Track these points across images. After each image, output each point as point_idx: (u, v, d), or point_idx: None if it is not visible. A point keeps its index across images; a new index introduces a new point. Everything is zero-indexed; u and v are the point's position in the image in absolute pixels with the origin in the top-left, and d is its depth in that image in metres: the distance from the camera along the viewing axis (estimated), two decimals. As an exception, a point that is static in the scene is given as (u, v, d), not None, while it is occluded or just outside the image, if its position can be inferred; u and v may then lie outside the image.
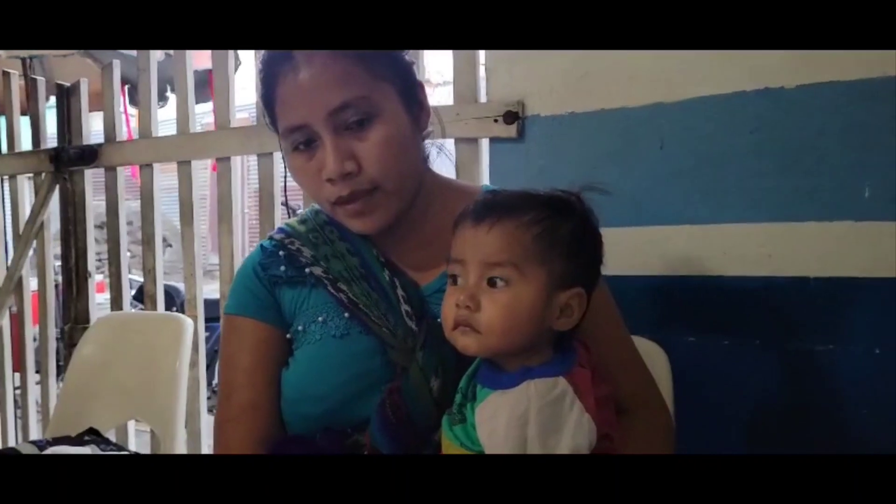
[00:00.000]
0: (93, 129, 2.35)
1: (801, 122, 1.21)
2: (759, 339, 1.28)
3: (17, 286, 2.49)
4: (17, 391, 2.69)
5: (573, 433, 0.70)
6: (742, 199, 1.27)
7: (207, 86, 3.20)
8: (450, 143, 1.57)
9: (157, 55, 2.15)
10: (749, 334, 1.28)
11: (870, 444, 1.20)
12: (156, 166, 2.13)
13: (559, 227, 0.76)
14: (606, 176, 1.38)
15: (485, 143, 1.54)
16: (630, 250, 1.38)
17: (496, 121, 1.48)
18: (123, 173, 2.25)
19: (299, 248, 0.95)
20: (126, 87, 2.88)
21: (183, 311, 2.05)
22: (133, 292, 3.97)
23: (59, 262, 2.43)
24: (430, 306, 0.89)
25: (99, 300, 2.47)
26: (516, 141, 1.48)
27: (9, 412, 2.66)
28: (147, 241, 2.14)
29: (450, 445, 0.77)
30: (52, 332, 2.49)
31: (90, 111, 2.33)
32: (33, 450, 1.65)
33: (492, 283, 0.75)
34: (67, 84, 2.33)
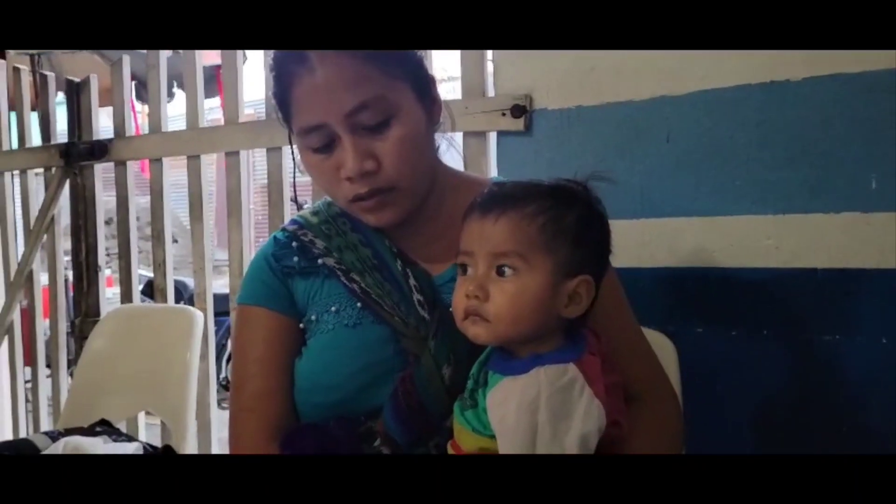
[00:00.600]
0: (102, 125, 2.36)
1: (806, 115, 1.22)
2: (767, 329, 1.28)
3: (28, 280, 2.51)
4: (28, 385, 2.72)
5: (583, 419, 0.72)
6: (749, 192, 1.28)
7: (215, 81, 3.22)
8: (458, 137, 1.58)
9: (165, 51, 2.17)
10: (757, 325, 1.29)
11: (876, 434, 1.21)
12: (164, 162, 2.14)
13: (564, 217, 0.77)
14: (613, 169, 1.39)
15: (493, 137, 1.55)
16: (638, 243, 1.39)
17: (504, 114, 1.49)
18: (133, 168, 2.27)
19: (312, 240, 0.96)
20: (133, 83, 2.90)
21: (192, 306, 2.07)
22: (141, 287, 4.00)
23: (68, 258, 2.45)
24: (442, 296, 0.90)
25: (108, 295, 2.49)
26: (524, 134, 1.49)
27: (20, 406, 2.69)
28: (157, 236, 2.15)
29: (461, 430, 0.78)
30: (63, 325, 2.51)
31: (99, 107, 2.35)
32: (46, 441, 1.67)
33: (500, 272, 0.77)
34: (77, 80, 2.34)
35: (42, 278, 2.56)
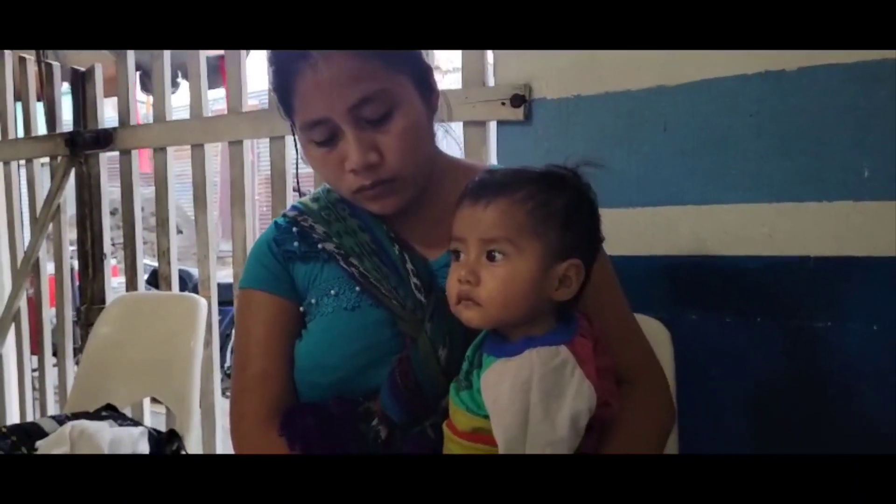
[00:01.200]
0: (107, 115, 2.38)
1: (801, 105, 1.24)
2: (761, 316, 1.30)
3: (34, 268, 2.53)
4: (35, 373, 2.75)
5: (574, 398, 0.74)
6: (744, 180, 1.30)
7: (219, 72, 3.23)
8: (458, 126, 1.60)
9: (169, 42, 2.18)
10: (750, 312, 1.31)
11: (867, 420, 1.23)
12: (168, 152, 2.17)
13: (552, 202, 0.79)
14: (611, 157, 1.41)
15: (493, 126, 1.57)
16: (634, 231, 1.41)
17: (504, 104, 1.50)
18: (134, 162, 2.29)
19: (312, 225, 0.98)
20: (138, 73, 2.91)
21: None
22: (146, 277, 4.03)
23: (74, 247, 2.48)
24: (439, 280, 0.92)
25: (113, 284, 2.51)
26: (523, 123, 1.50)
27: (27, 393, 2.72)
28: (161, 224, 2.18)
29: (456, 410, 0.81)
30: (69, 313, 2.54)
31: (104, 97, 2.37)
32: (53, 424, 1.70)
33: (490, 257, 0.79)
34: (82, 69, 2.36)
35: (48, 267, 2.59)
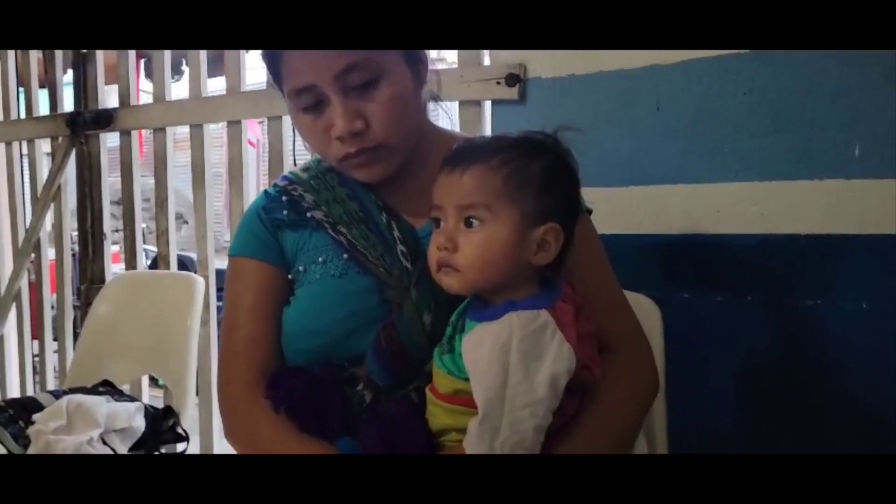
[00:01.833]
0: (108, 104, 2.39)
1: (793, 83, 1.24)
2: (751, 295, 1.31)
3: (36, 250, 2.55)
4: (36, 358, 2.77)
5: (553, 361, 0.74)
6: (736, 159, 1.30)
7: (221, 61, 3.24)
8: (454, 106, 1.60)
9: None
10: (741, 291, 1.32)
11: (856, 398, 1.23)
12: (170, 143, 2.18)
13: (529, 167, 0.80)
14: (605, 136, 1.42)
15: (487, 106, 1.57)
16: (626, 209, 1.41)
17: (498, 83, 1.51)
18: (138, 157, 2.31)
19: (301, 194, 0.99)
20: (142, 61, 2.92)
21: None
22: (148, 263, 4.06)
23: (76, 233, 2.49)
24: (425, 247, 0.93)
25: (115, 270, 2.52)
26: (518, 103, 1.51)
27: (28, 375, 2.74)
28: (160, 205, 2.19)
29: (439, 374, 0.82)
30: (70, 293, 2.56)
31: (105, 84, 2.38)
32: (50, 399, 1.72)
33: (468, 224, 0.80)
34: (83, 50, 2.37)
35: (49, 253, 2.60)
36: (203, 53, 2.07)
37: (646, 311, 1.23)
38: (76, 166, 2.37)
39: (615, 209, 1.40)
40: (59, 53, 2.52)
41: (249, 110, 1.95)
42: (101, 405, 1.67)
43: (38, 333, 2.68)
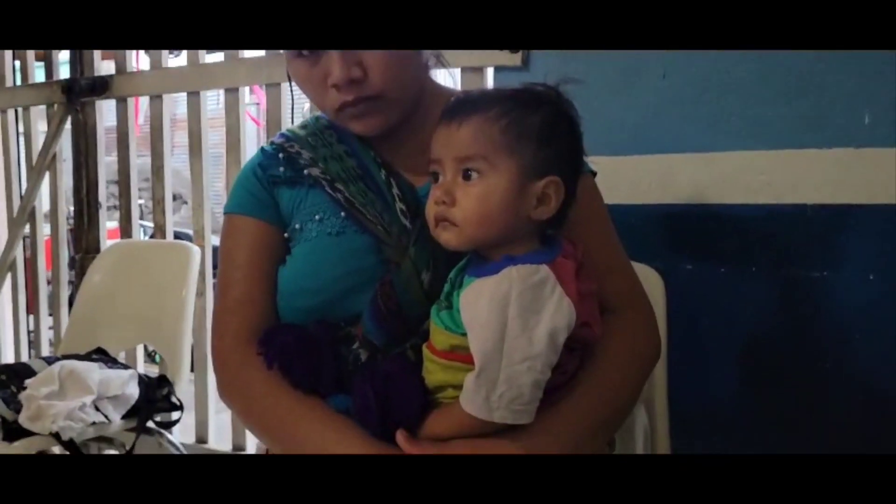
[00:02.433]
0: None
1: (802, 51, 1.21)
2: (756, 266, 1.29)
3: (31, 224, 2.52)
4: (32, 334, 2.75)
5: (553, 315, 0.72)
6: (743, 128, 1.28)
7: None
8: (456, 72, 1.57)
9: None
10: (745, 262, 1.30)
11: (859, 370, 1.22)
12: (167, 126, 2.15)
13: (527, 118, 0.77)
14: (610, 104, 1.39)
15: (490, 72, 1.54)
16: (631, 179, 1.39)
17: (501, 49, 1.48)
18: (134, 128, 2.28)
19: (298, 151, 0.96)
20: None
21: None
22: (147, 239, 4.04)
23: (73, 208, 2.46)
24: (425, 206, 0.90)
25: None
26: (521, 69, 1.48)
27: (23, 352, 2.72)
28: (156, 173, 2.16)
29: (436, 330, 0.79)
30: (65, 266, 2.53)
31: (102, 59, 2.34)
32: (43, 365, 1.71)
33: (466, 176, 0.77)
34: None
35: (45, 229, 2.58)
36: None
37: (649, 281, 1.21)
38: (72, 135, 2.33)
39: (620, 178, 1.38)
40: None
41: (248, 77, 1.92)
42: (94, 372, 1.66)
43: (33, 308, 2.66)
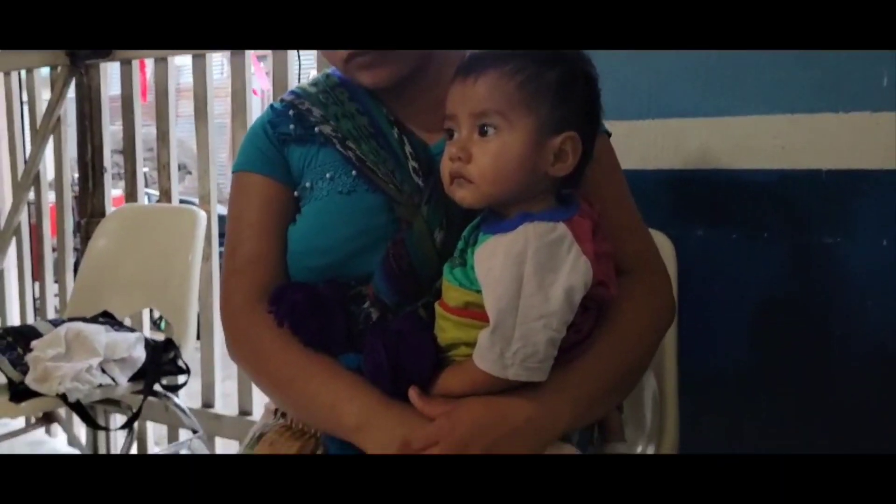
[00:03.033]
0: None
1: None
2: (768, 231, 1.28)
3: (36, 190, 2.51)
4: (38, 301, 2.75)
5: (569, 273, 0.71)
6: (758, 91, 1.26)
7: None
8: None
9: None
10: (758, 227, 1.29)
11: (870, 338, 1.21)
12: (172, 93, 2.13)
13: (544, 74, 0.76)
14: (623, 68, 1.37)
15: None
16: (645, 144, 1.37)
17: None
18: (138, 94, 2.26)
19: (309, 108, 0.95)
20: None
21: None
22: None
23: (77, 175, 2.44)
24: (438, 164, 0.89)
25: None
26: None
27: (29, 318, 2.72)
28: (161, 137, 2.15)
29: (449, 287, 0.79)
30: (70, 231, 2.52)
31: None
32: (49, 327, 1.71)
33: (482, 132, 0.76)
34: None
35: (50, 196, 2.57)
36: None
37: (661, 247, 1.19)
38: (76, 99, 2.31)
39: (633, 143, 1.36)
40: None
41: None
42: (101, 334, 1.66)
43: (38, 274, 2.66)
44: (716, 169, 1.31)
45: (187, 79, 2.12)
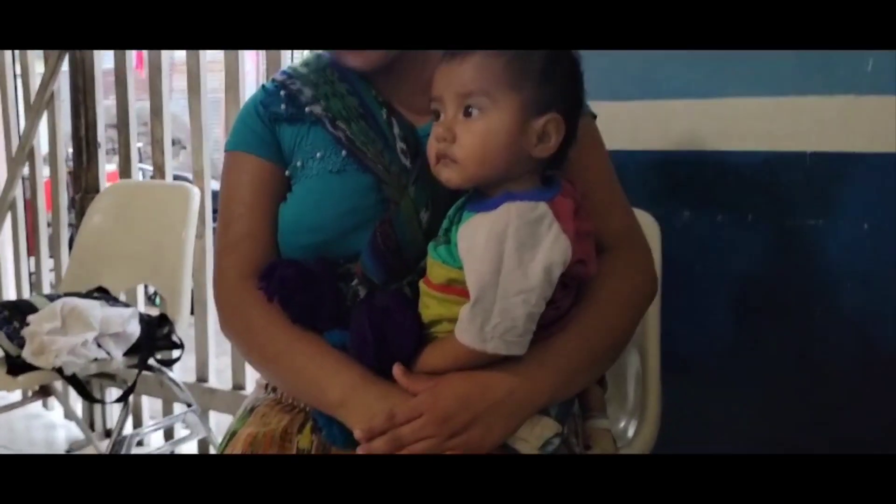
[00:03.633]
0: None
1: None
2: (752, 214, 1.30)
3: (31, 165, 2.52)
4: (33, 276, 2.76)
5: (548, 250, 0.73)
6: (744, 74, 1.28)
7: None
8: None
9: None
10: (743, 209, 1.31)
11: (847, 317, 1.23)
12: (166, 67, 2.13)
13: (529, 55, 0.77)
14: (611, 50, 1.38)
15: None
16: (632, 124, 1.39)
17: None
18: (133, 68, 2.25)
19: (300, 89, 0.96)
20: None
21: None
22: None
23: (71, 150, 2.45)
24: (425, 146, 0.90)
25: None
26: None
27: (25, 294, 2.73)
28: (156, 112, 2.15)
29: (433, 264, 0.81)
30: (65, 208, 2.53)
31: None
32: (45, 302, 1.73)
33: (467, 113, 0.78)
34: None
35: (45, 171, 2.57)
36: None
37: (646, 227, 1.20)
38: (70, 74, 2.31)
39: (620, 124, 1.37)
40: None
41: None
42: (96, 309, 1.68)
43: (34, 249, 2.68)
44: (702, 150, 1.32)
45: (181, 52, 2.12)
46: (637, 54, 1.36)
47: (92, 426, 2.49)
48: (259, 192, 0.96)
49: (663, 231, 1.24)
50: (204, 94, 2.06)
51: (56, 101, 2.39)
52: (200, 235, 2.05)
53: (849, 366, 1.25)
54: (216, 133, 6.26)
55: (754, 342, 1.33)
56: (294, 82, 0.97)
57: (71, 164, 2.47)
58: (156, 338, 1.78)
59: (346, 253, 0.90)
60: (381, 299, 0.83)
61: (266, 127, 0.96)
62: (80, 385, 1.71)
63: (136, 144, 2.31)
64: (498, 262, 0.73)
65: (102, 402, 2.30)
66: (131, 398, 1.84)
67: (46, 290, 2.65)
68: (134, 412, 2.37)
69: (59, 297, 1.76)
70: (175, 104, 2.25)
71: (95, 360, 1.63)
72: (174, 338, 1.82)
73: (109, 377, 1.89)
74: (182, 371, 2.10)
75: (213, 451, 2.13)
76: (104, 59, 2.33)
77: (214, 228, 1.03)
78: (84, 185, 2.33)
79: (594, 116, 1.00)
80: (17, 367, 1.60)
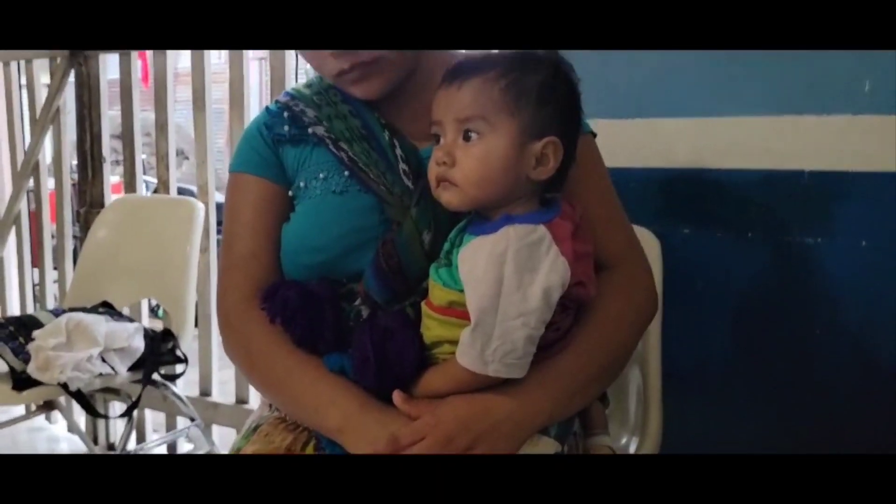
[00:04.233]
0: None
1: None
2: (752, 232, 1.31)
3: (35, 178, 2.53)
4: (37, 287, 2.78)
5: (547, 272, 0.74)
6: (743, 93, 1.29)
7: None
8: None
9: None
10: (742, 228, 1.31)
11: (847, 335, 1.24)
12: (170, 78, 2.14)
13: (527, 79, 0.78)
14: (611, 67, 1.39)
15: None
16: (631, 143, 1.40)
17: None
18: (138, 81, 2.27)
19: (303, 110, 0.97)
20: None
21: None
22: (149, 195, 4.06)
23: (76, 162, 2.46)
24: (427, 168, 0.92)
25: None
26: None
27: (28, 306, 2.75)
28: (160, 128, 2.17)
29: (434, 286, 0.82)
30: (69, 220, 2.55)
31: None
32: (49, 317, 1.74)
33: (466, 137, 0.79)
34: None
35: (49, 183, 2.59)
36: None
37: (646, 244, 1.21)
38: (75, 87, 2.33)
39: (621, 142, 1.38)
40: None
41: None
42: (101, 324, 1.69)
43: (38, 262, 2.69)
44: (702, 168, 1.33)
45: (185, 63, 2.13)
46: (637, 73, 1.38)
47: (95, 440, 2.50)
48: (262, 213, 0.97)
49: (664, 247, 1.25)
50: (208, 106, 2.07)
51: (61, 114, 2.41)
52: (205, 249, 2.07)
53: (848, 382, 1.26)
54: (219, 144, 6.28)
55: (755, 358, 1.34)
56: (297, 104, 0.98)
57: (75, 175, 2.49)
58: (160, 353, 1.79)
59: (349, 273, 0.91)
60: (384, 320, 0.84)
61: (269, 148, 0.97)
62: (85, 400, 1.72)
63: (141, 156, 2.33)
64: (498, 286, 0.74)
65: (106, 416, 2.31)
66: (135, 412, 1.85)
67: (50, 301, 2.67)
68: (137, 426, 2.38)
69: (63, 311, 1.77)
70: (178, 114, 2.27)
71: (100, 375, 1.64)
72: (178, 352, 1.83)
73: (113, 392, 1.90)
74: (185, 385, 2.11)
75: (215, 464, 2.13)
76: (109, 71, 2.35)
77: (219, 241, 1.04)
78: (89, 199, 2.34)
79: (594, 135, 1.01)
80: (23, 382, 1.61)
